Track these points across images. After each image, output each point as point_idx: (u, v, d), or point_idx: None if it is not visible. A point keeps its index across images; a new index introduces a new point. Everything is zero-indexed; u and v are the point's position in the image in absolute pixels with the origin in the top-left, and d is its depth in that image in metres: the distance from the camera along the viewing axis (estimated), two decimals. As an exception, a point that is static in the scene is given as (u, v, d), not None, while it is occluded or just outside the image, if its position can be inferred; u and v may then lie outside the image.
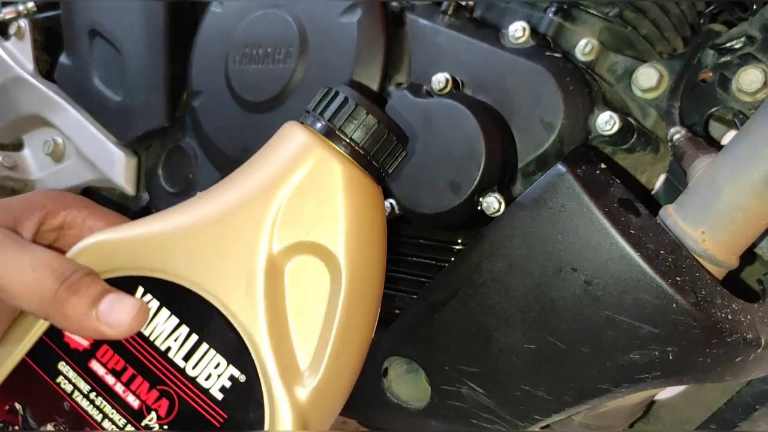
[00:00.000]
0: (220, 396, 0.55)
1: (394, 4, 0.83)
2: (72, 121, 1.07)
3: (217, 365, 0.55)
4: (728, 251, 0.63)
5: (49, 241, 0.64)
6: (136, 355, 0.57)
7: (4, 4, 1.14)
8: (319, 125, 0.57)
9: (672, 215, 0.63)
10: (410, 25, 0.82)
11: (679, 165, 0.68)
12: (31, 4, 1.13)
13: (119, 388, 0.57)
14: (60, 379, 0.58)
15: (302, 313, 0.56)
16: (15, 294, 0.56)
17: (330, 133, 0.57)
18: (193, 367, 0.56)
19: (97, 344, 0.58)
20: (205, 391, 0.55)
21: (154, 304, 0.57)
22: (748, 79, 0.67)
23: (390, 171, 0.60)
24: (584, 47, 0.75)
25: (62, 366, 0.58)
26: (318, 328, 0.56)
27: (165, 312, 0.56)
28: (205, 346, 0.56)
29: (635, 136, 0.72)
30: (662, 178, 0.73)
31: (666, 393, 0.83)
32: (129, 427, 0.57)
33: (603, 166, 0.65)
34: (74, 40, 1.06)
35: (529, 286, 0.65)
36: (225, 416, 0.55)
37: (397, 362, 0.77)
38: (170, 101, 0.99)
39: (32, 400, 0.59)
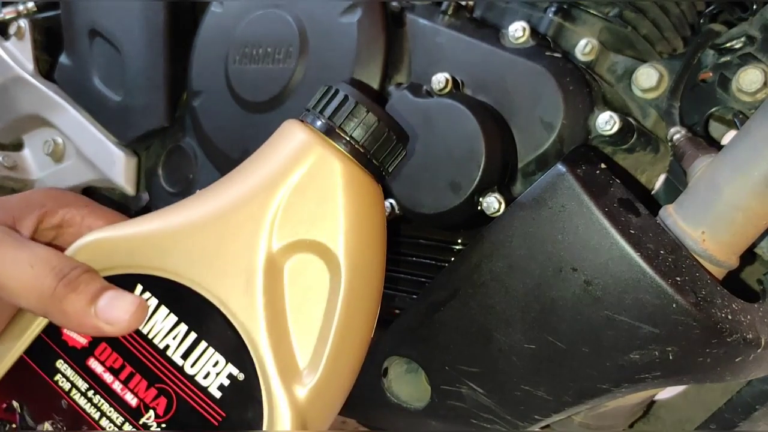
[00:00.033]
0: (218, 394, 0.55)
1: (394, 4, 0.83)
2: (72, 121, 1.08)
3: (216, 363, 0.55)
4: (728, 251, 0.63)
5: (48, 239, 0.64)
6: (135, 353, 0.57)
7: (4, 4, 1.14)
8: (319, 123, 0.57)
9: (672, 215, 0.63)
10: (410, 25, 0.82)
11: (679, 165, 0.68)
12: (31, 4, 1.13)
13: (117, 386, 0.57)
14: (58, 377, 0.58)
15: (301, 312, 0.56)
16: (13, 291, 0.56)
17: (330, 131, 0.57)
18: (192, 366, 0.56)
19: (95, 342, 0.58)
20: (204, 390, 0.55)
21: (153, 302, 0.57)
22: (748, 79, 0.67)
23: (390, 169, 0.59)
24: (584, 47, 0.75)
25: (60, 364, 0.58)
26: (317, 327, 0.56)
27: (163, 310, 0.56)
28: (203, 344, 0.55)
29: (635, 136, 0.72)
30: (662, 178, 0.73)
31: (666, 393, 0.83)
32: (127, 426, 0.56)
33: (603, 166, 0.65)
34: (74, 40, 1.06)
35: (529, 286, 0.65)
36: (223, 414, 0.55)
37: (397, 362, 0.77)
38: (170, 101, 0.99)
39: (30, 398, 0.59)
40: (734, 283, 0.66)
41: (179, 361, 0.56)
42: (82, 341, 0.58)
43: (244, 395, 0.55)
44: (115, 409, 0.57)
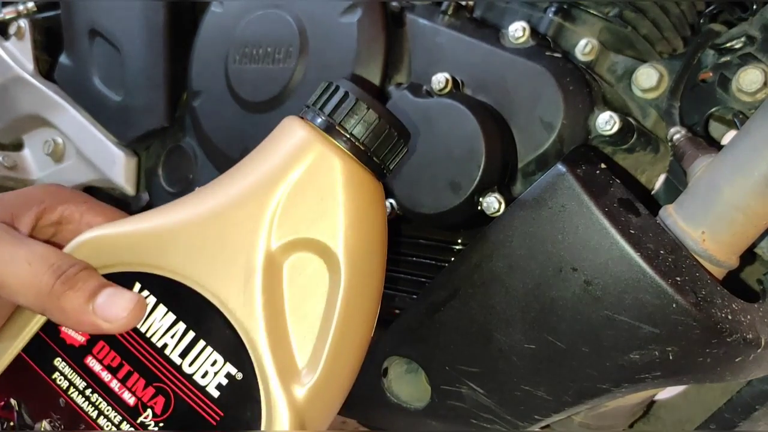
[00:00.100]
0: (216, 394, 0.55)
1: (394, 4, 0.83)
2: (72, 121, 1.08)
3: (214, 363, 0.55)
4: (728, 251, 0.63)
5: (47, 236, 0.64)
6: (133, 351, 0.56)
7: (4, 4, 1.14)
8: (319, 120, 0.57)
9: (672, 215, 0.63)
10: (410, 25, 0.82)
11: (679, 165, 0.67)
12: (31, 4, 1.13)
13: (115, 385, 0.57)
14: (56, 375, 0.58)
15: (300, 311, 0.56)
16: (11, 288, 0.56)
17: (330, 129, 0.56)
18: (190, 365, 0.55)
19: (93, 340, 0.58)
20: (202, 389, 0.55)
21: (151, 300, 0.57)
22: (748, 79, 0.67)
23: (391, 167, 0.59)
24: (584, 47, 0.75)
25: (58, 362, 0.58)
26: (316, 326, 0.55)
27: (162, 308, 0.56)
28: (201, 343, 0.55)
29: (635, 136, 0.72)
30: (662, 178, 0.73)
31: (666, 393, 0.83)
32: (125, 425, 0.56)
33: (603, 166, 0.65)
34: (74, 40, 1.06)
35: (529, 286, 0.64)
36: (221, 414, 0.55)
37: (397, 362, 0.77)
38: (170, 101, 0.99)
39: (28, 396, 0.59)
40: (734, 283, 0.66)
41: (177, 360, 0.56)
42: (80, 339, 0.58)
43: (243, 395, 0.55)
44: (113, 408, 0.57)
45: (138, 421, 0.56)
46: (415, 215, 0.77)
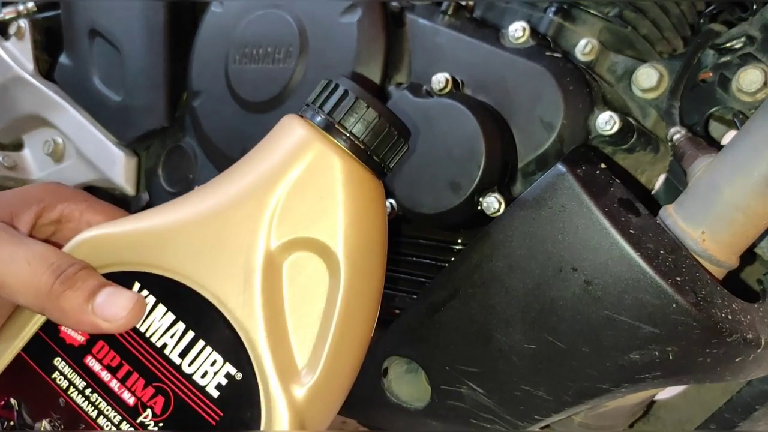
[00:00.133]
0: (216, 394, 0.55)
1: (394, 4, 0.83)
2: (72, 121, 1.08)
3: (214, 362, 0.55)
4: (728, 251, 0.63)
5: (47, 234, 0.64)
6: (132, 351, 0.56)
7: (4, 4, 1.14)
8: (318, 119, 0.57)
9: (672, 215, 0.63)
10: (410, 25, 0.82)
11: (679, 165, 0.67)
12: (31, 4, 1.13)
13: (115, 385, 0.57)
14: (55, 374, 0.58)
15: (300, 311, 0.55)
16: (11, 288, 0.56)
17: (329, 127, 0.56)
18: (189, 365, 0.55)
19: (92, 340, 0.58)
20: (201, 389, 0.55)
21: (151, 299, 0.56)
22: (748, 79, 0.67)
23: (391, 166, 0.59)
24: (584, 47, 0.75)
25: (58, 362, 0.58)
26: (316, 326, 0.55)
27: (161, 308, 0.56)
28: (201, 343, 0.55)
29: (635, 136, 0.72)
30: (662, 178, 0.73)
31: (666, 393, 0.83)
32: (124, 424, 0.56)
33: (603, 166, 0.65)
34: (74, 40, 1.07)
35: (529, 286, 0.64)
36: (221, 414, 0.55)
37: (397, 362, 0.77)
38: (170, 101, 0.99)
39: (28, 396, 0.59)
40: (734, 283, 0.66)
41: (177, 360, 0.56)
42: (80, 339, 0.58)
43: (242, 395, 0.54)
44: (113, 408, 0.56)
45: (138, 421, 0.56)
46: (415, 215, 0.77)
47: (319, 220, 0.55)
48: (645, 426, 0.85)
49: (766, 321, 0.62)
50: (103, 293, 0.55)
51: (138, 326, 0.56)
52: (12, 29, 1.14)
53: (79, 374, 0.57)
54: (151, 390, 0.56)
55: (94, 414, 0.57)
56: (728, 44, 0.70)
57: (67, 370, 0.58)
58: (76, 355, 0.58)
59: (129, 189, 1.05)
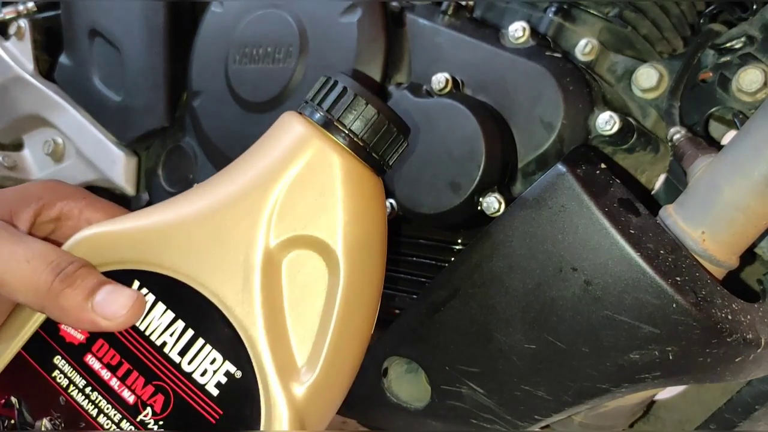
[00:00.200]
0: (215, 392, 0.55)
1: (394, 4, 0.83)
2: (72, 121, 1.08)
3: (213, 361, 0.55)
4: (728, 251, 0.63)
5: (46, 232, 0.64)
6: (132, 349, 0.56)
7: (4, 4, 1.14)
8: (317, 116, 0.57)
9: (672, 215, 0.63)
10: (410, 25, 0.82)
11: (679, 165, 0.67)
12: (31, 4, 1.13)
13: (114, 383, 0.57)
14: (56, 373, 0.58)
15: (300, 309, 0.55)
16: (10, 286, 0.55)
17: (328, 124, 0.56)
18: (189, 363, 0.55)
19: (92, 338, 0.58)
20: (201, 387, 0.55)
21: (150, 298, 0.56)
22: (748, 79, 0.67)
23: (391, 163, 0.59)
24: (584, 47, 0.75)
25: (58, 360, 0.58)
26: (316, 324, 0.55)
27: (161, 306, 0.56)
28: (200, 341, 0.55)
29: (635, 136, 0.72)
30: (662, 178, 0.73)
31: (666, 393, 0.83)
32: (124, 423, 0.56)
33: (603, 166, 0.65)
34: (74, 40, 1.07)
35: (529, 286, 0.64)
36: (221, 412, 0.55)
37: (397, 362, 0.76)
38: (170, 101, 0.99)
39: (28, 394, 0.59)
40: (734, 283, 0.66)
41: (176, 359, 0.56)
42: (80, 337, 0.58)
43: (242, 393, 0.54)
44: (113, 406, 0.56)
45: (137, 420, 0.56)
46: (415, 215, 0.77)
47: (318, 217, 0.55)
48: (645, 426, 0.85)
49: (766, 321, 0.62)
50: (103, 291, 0.55)
51: (137, 324, 0.56)
52: (12, 29, 1.14)
53: (79, 372, 0.57)
54: (150, 388, 0.56)
55: (94, 412, 0.57)
56: (728, 44, 0.70)
57: (67, 368, 0.58)
58: (76, 354, 0.58)
59: (129, 189, 1.05)
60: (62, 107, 1.08)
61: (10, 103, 1.14)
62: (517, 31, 0.76)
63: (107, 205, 0.66)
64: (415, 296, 0.81)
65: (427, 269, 0.81)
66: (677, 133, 0.68)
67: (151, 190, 1.03)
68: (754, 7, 0.72)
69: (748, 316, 0.61)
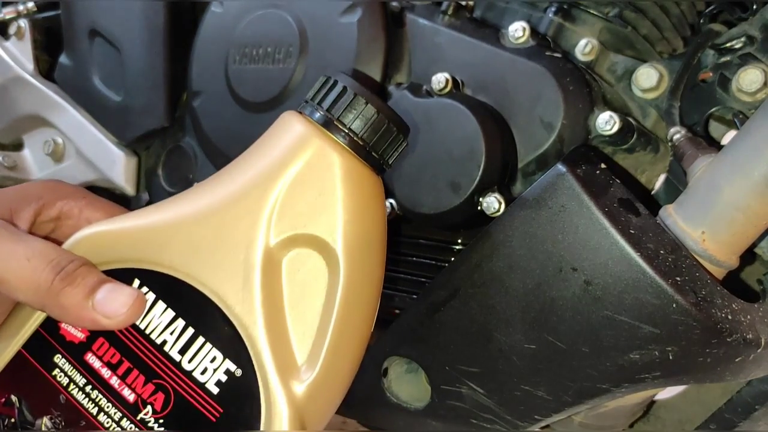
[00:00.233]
0: (215, 390, 0.55)
1: (394, 4, 0.83)
2: (72, 121, 1.08)
3: (213, 359, 0.55)
4: (728, 251, 0.63)
5: (46, 232, 0.64)
6: (132, 348, 0.56)
7: (4, 4, 1.14)
8: (317, 115, 0.57)
9: (672, 215, 0.63)
10: (410, 25, 0.82)
11: (679, 165, 0.67)
12: (31, 4, 1.13)
13: (115, 382, 0.57)
14: (56, 371, 0.58)
15: (300, 307, 0.56)
16: (11, 285, 0.56)
17: (328, 124, 0.56)
18: (189, 361, 0.55)
19: (92, 337, 0.58)
20: (201, 386, 0.55)
21: (151, 296, 0.57)
22: (748, 79, 0.67)
23: (390, 162, 0.59)
24: (584, 47, 0.75)
25: (58, 359, 0.58)
26: (316, 322, 0.55)
27: (161, 305, 0.56)
28: (201, 339, 0.55)
29: (635, 136, 0.72)
30: (662, 178, 0.73)
31: (666, 393, 0.83)
32: (125, 421, 0.56)
33: (603, 166, 0.65)
34: (74, 40, 1.07)
35: (529, 286, 0.64)
36: (221, 410, 0.55)
37: (397, 362, 0.76)
38: (170, 101, 0.99)
39: (28, 393, 0.59)
40: (734, 283, 0.66)
41: (177, 357, 0.56)
42: (80, 336, 0.58)
43: (242, 391, 0.55)
44: (113, 405, 0.57)
45: (138, 418, 0.56)
46: (415, 215, 0.77)
47: (318, 216, 0.55)
48: (645, 426, 0.85)
49: (766, 321, 0.62)
50: (104, 290, 0.55)
51: (138, 323, 0.56)
52: (12, 29, 1.14)
53: (79, 371, 0.57)
54: (151, 387, 0.56)
55: (94, 411, 0.57)
56: (728, 44, 0.70)
57: (67, 367, 0.58)
58: (76, 352, 0.58)
59: (129, 189, 1.05)
60: (62, 107, 1.08)
61: (10, 103, 1.14)
62: (517, 31, 0.76)
63: (107, 204, 0.66)
64: (415, 296, 0.81)
65: (427, 269, 0.81)
66: (677, 133, 0.68)
67: (151, 190, 1.03)
68: (754, 7, 0.72)
69: (748, 316, 0.61)
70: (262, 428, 0.54)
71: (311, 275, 0.56)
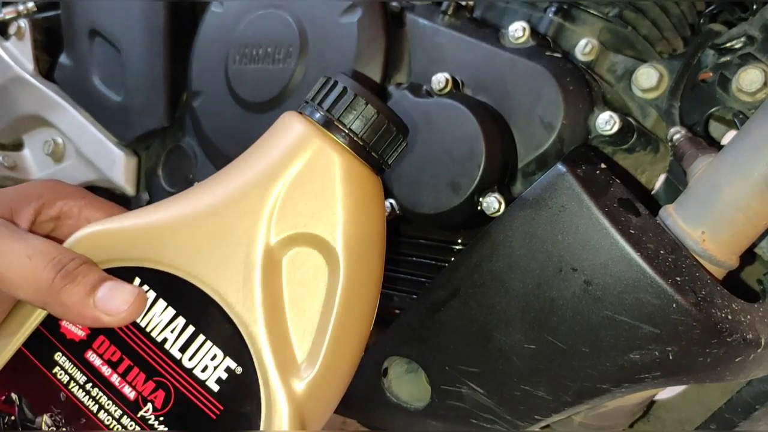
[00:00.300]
0: (216, 388, 0.55)
1: (394, 4, 0.83)
2: (72, 121, 1.08)
3: (214, 357, 0.55)
4: (728, 251, 0.63)
5: (46, 231, 0.64)
6: (133, 346, 0.56)
7: (4, 4, 1.14)
8: (317, 115, 0.57)
9: (672, 215, 0.63)
10: (410, 25, 0.82)
11: (679, 165, 0.67)
12: (31, 4, 1.13)
13: (115, 379, 0.57)
14: (56, 369, 0.58)
15: (300, 305, 0.56)
16: (12, 283, 0.55)
17: (328, 124, 0.56)
18: (190, 359, 0.55)
19: (93, 335, 0.57)
20: (202, 383, 0.55)
21: (151, 295, 0.56)
22: (748, 79, 0.68)
23: (390, 162, 0.59)
24: (584, 47, 0.76)
25: (58, 356, 0.58)
26: (315, 321, 0.55)
27: (162, 303, 0.56)
28: (201, 337, 0.55)
29: (635, 136, 0.72)
30: (662, 178, 0.73)
31: (666, 393, 0.83)
32: (125, 419, 0.56)
33: (603, 166, 0.65)
34: (74, 40, 1.07)
35: (529, 286, 0.64)
36: (221, 408, 0.55)
37: (397, 362, 0.77)
38: (170, 101, 0.99)
39: (29, 391, 0.58)
40: (734, 283, 0.66)
41: (177, 355, 0.56)
42: (81, 334, 0.58)
43: (242, 389, 0.55)
44: (114, 402, 0.56)
45: (138, 416, 0.56)
46: (415, 215, 0.77)
47: (318, 215, 0.55)
48: (645, 426, 0.85)
49: (766, 321, 0.62)
50: (105, 287, 0.55)
51: (138, 321, 0.56)
52: (12, 29, 1.14)
53: (79, 369, 0.57)
54: (151, 384, 0.56)
55: (94, 408, 0.57)
56: (728, 44, 0.70)
57: (67, 364, 0.58)
58: (76, 350, 0.58)
59: (129, 189, 1.05)
60: (62, 107, 1.08)
61: (10, 103, 1.14)
62: (517, 31, 0.76)
63: (107, 204, 0.66)
64: (415, 296, 0.81)
65: (427, 269, 0.81)
66: (677, 133, 0.68)
67: (151, 190, 1.03)
68: (754, 7, 0.72)
69: (748, 316, 0.61)
70: (262, 426, 0.54)
71: (311, 274, 0.56)
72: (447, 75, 0.77)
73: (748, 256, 0.67)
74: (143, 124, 1.01)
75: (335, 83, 0.57)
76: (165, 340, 0.56)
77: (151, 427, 0.56)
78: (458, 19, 0.81)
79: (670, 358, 0.61)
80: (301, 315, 0.55)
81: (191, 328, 0.55)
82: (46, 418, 0.58)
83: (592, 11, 0.77)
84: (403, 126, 0.59)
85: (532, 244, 0.64)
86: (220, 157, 0.92)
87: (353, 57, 0.82)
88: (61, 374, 0.58)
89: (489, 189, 0.73)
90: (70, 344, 0.58)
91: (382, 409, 0.79)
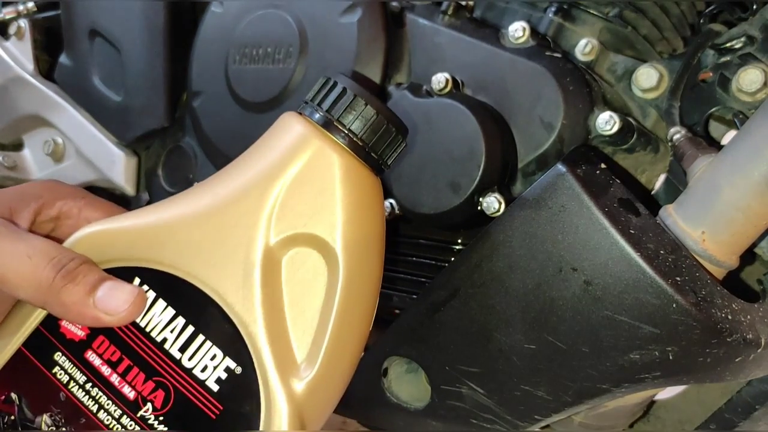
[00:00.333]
0: (215, 388, 0.55)
1: (394, 4, 0.83)
2: (72, 121, 1.08)
3: (213, 357, 0.55)
4: (728, 251, 0.63)
5: (46, 231, 0.64)
6: (132, 346, 0.56)
7: (4, 4, 1.14)
8: (317, 116, 0.57)
9: (672, 215, 0.63)
10: (410, 25, 0.82)
11: (679, 165, 0.67)
12: (31, 4, 1.13)
13: (115, 379, 0.57)
14: (56, 369, 0.58)
15: (299, 305, 0.56)
16: (12, 283, 0.56)
17: (328, 124, 0.57)
18: (189, 359, 0.55)
19: (92, 335, 0.58)
20: (201, 383, 0.55)
21: (151, 295, 0.57)
22: (748, 79, 0.67)
23: (389, 162, 0.59)
24: (584, 47, 0.75)
25: (58, 356, 0.58)
26: (315, 321, 0.56)
27: (161, 303, 0.56)
28: (201, 337, 0.55)
29: (635, 136, 0.72)
30: (662, 178, 0.73)
31: (666, 393, 0.83)
32: (125, 418, 0.56)
33: (603, 166, 0.65)
34: (74, 40, 1.07)
35: (529, 286, 0.64)
36: (221, 408, 0.55)
37: (397, 362, 0.76)
38: (170, 101, 0.99)
39: (28, 391, 0.59)
40: (734, 283, 0.66)
41: (177, 354, 0.56)
42: (80, 334, 0.58)
43: (242, 389, 0.55)
44: (113, 402, 0.57)
45: (138, 415, 0.56)
46: (415, 215, 0.77)
47: (317, 216, 0.55)
48: (645, 426, 0.85)
49: (766, 321, 0.62)
50: (104, 287, 0.55)
51: (138, 321, 0.56)
52: (12, 29, 1.14)
53: (79, 369, 0.57)
54: (151, 384, 0.56)
55: (94, 408, 0.57)
56: (728, 44, 0.70)
57: (67, 364, 0.58)
58: (76, 350, 0.58)
59: (129, 189, 1.05)
60: (62, 107, 1.08)
61: (10, 103, 1.14)
62: (517, 31, 0.76)
63: (106, 204, 0.66)
64: (415, 296, 0.81)
65: (427, 269, 0.81)
66: (677, 133, 0.68)
67: (151, 190, 1.03)
68: (754, 7, 0.72)
69: (748, 316, 0.61)
70: (261, 426, 0.54)
71: (311, 274, 0.56)
72: (447, 75, 0.77)
73: (748, 256, 0.67)
74: (143, 124, 1.01)
75: (335, 84, 0.57)
76: (165, 340, 0.56)
77: (151, 427, 0.56)
78: (458, 19, 0.81)
79: (670, 358, 0.61)
80: (301, 315, 0.56)
81: (191, 328, 0.56)
82: (45, 417, 0.58)
83: (592, 11, 0.77)
84: (403, 126, 0.59)
85: (532, 244, 0.64)
86: (220, 157, 0.92)
87: (353, 57, 0.81)
88: (60, 374, 0.58)
89: (489, 189, 0.73)
90: (70, 344, 0.58)
91: (382, 409, 0.79)
